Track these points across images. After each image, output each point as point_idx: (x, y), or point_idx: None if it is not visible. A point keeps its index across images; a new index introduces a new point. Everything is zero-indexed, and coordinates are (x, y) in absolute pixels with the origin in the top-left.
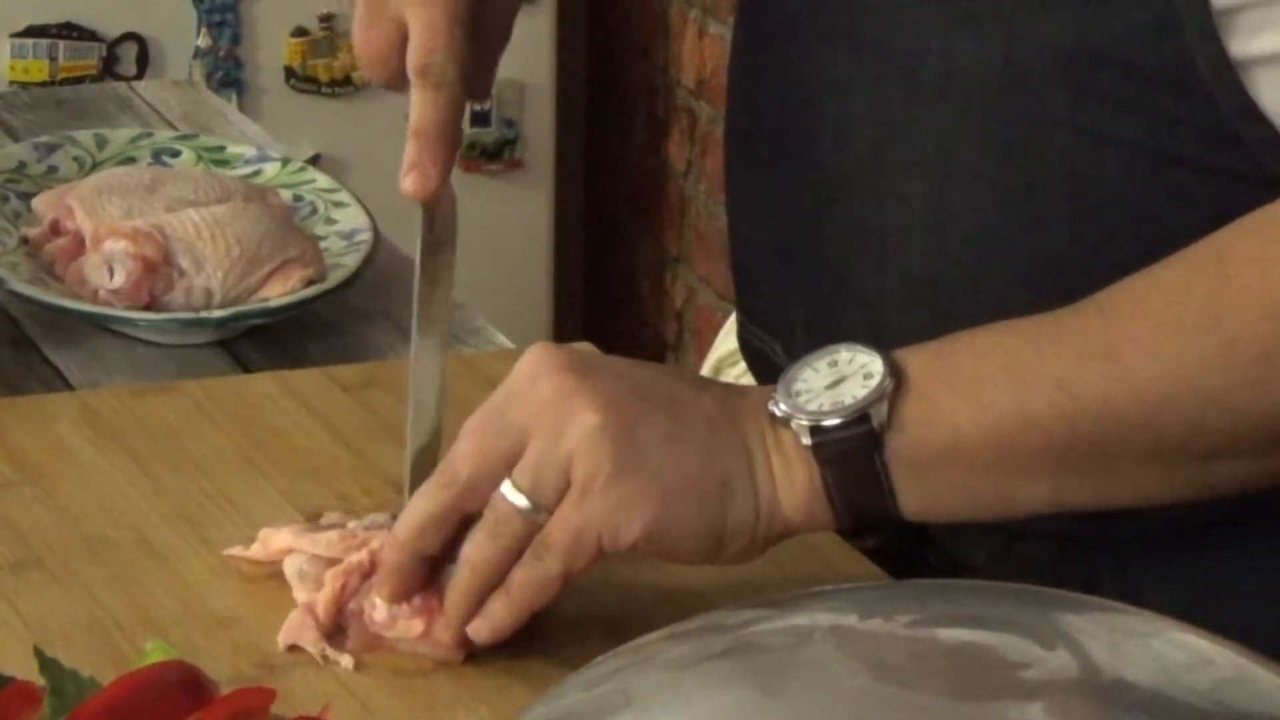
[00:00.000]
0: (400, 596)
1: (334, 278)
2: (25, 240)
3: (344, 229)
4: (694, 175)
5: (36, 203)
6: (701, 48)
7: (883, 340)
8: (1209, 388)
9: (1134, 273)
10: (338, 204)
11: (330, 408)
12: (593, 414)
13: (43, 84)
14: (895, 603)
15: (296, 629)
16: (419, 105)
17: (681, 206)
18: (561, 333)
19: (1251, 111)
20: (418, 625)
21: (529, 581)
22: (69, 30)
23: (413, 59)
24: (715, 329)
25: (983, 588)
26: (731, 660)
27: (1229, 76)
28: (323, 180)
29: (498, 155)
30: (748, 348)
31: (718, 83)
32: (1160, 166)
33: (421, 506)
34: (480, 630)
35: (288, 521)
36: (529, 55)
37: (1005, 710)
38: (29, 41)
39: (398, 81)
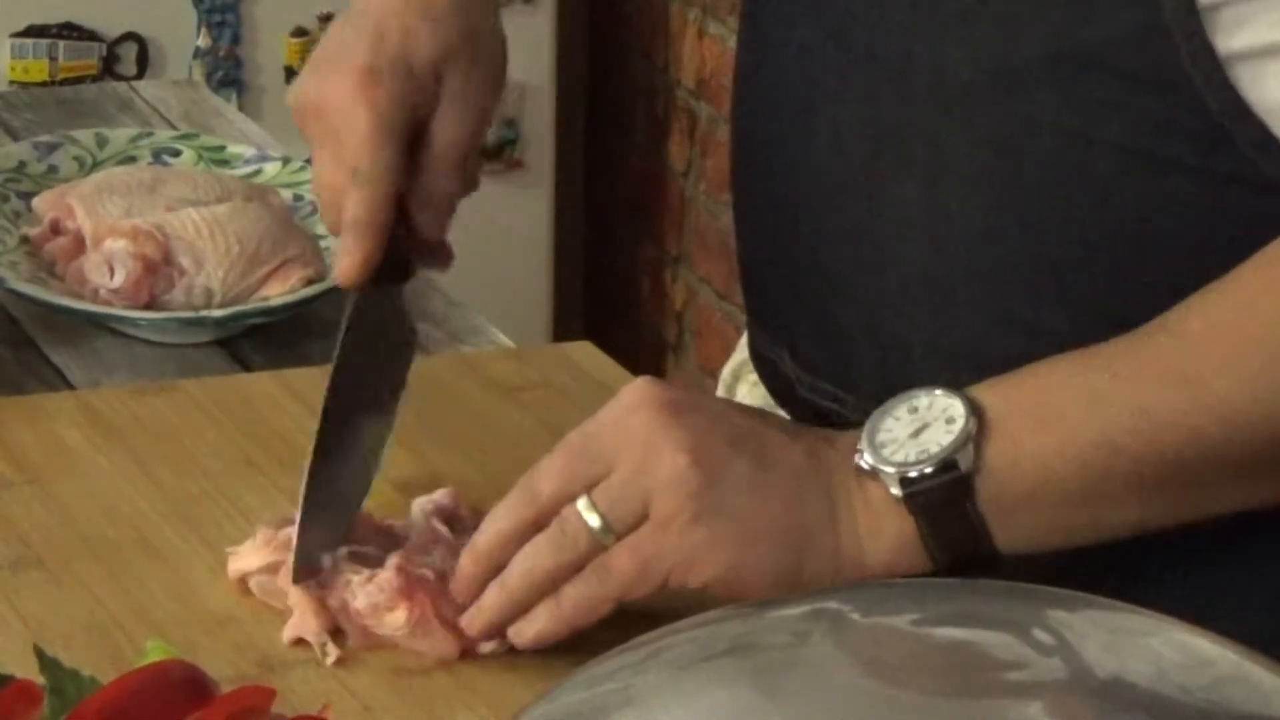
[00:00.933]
0: (471, 601)
1: (334, 277)
2: (26, 239)
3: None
4: (694, 175)
5: (37, 202)
6: (701, 48)
7: (884, 342)
8: None
9: (1130, 273)
10: None
11: None
12: (683, 455)
13: (43, 84)
14: (894, 602)
15: (299, 623)
16: (348, 205)
17: (681, 206)
18: (561, 333)
19: (1240, 109)
20: (400, 617)
21: (583, 599)
22: (69, 30)
23: (344, 170)
24: (715, 329)
25: (981, 587)
26: (731, 660)
27: (1216, 75)
28: None
29: (498, 155)
30: (757, 357)
31: (718, 83)
32: (1151, 169)
33: (503, 520)
34: (523, 632)
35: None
36: (529, 55)
37: (1004, 709)
38: (29, 41)
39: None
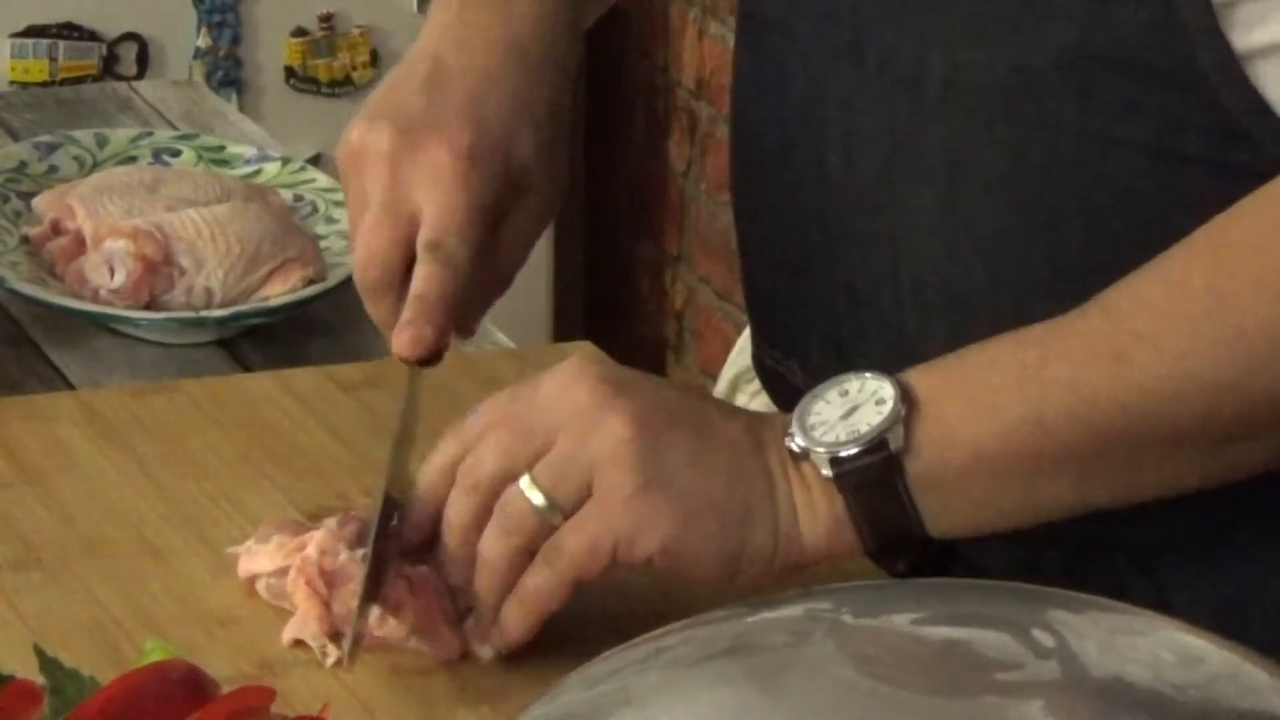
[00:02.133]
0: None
1: (334, 277)
2: (26, 240)
3: (344, 228)
4: (694, 175)
5: (37, 202)
6: (701, 48)
7: (901, 351)
8: (1219, 376)
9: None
10: (338, 203)
11: (330, 408)
12: (623, 426)
13: (43, 84)
14: (894, 602)
15: (299, 624)
16: (423, 275)
17: (681, 206)
18: (561, 333)
19: (1257, 105)
20: (403, 623)
21: (540, 586)
22: (69, 30)
23: (425, 235)
24: (715, 329)
25: (980, 587)
26: (731, 659)
27: (1233, 71)
28: (323, 180)
29: None
30: (763, 369)
31: (717, 83)
32: (1170, 167)
33: (454, 517)
34: (496, 638)
35: (267, 527)
36: None
37: (1003, 709)
38: (29, 41)
39: (389, 288)
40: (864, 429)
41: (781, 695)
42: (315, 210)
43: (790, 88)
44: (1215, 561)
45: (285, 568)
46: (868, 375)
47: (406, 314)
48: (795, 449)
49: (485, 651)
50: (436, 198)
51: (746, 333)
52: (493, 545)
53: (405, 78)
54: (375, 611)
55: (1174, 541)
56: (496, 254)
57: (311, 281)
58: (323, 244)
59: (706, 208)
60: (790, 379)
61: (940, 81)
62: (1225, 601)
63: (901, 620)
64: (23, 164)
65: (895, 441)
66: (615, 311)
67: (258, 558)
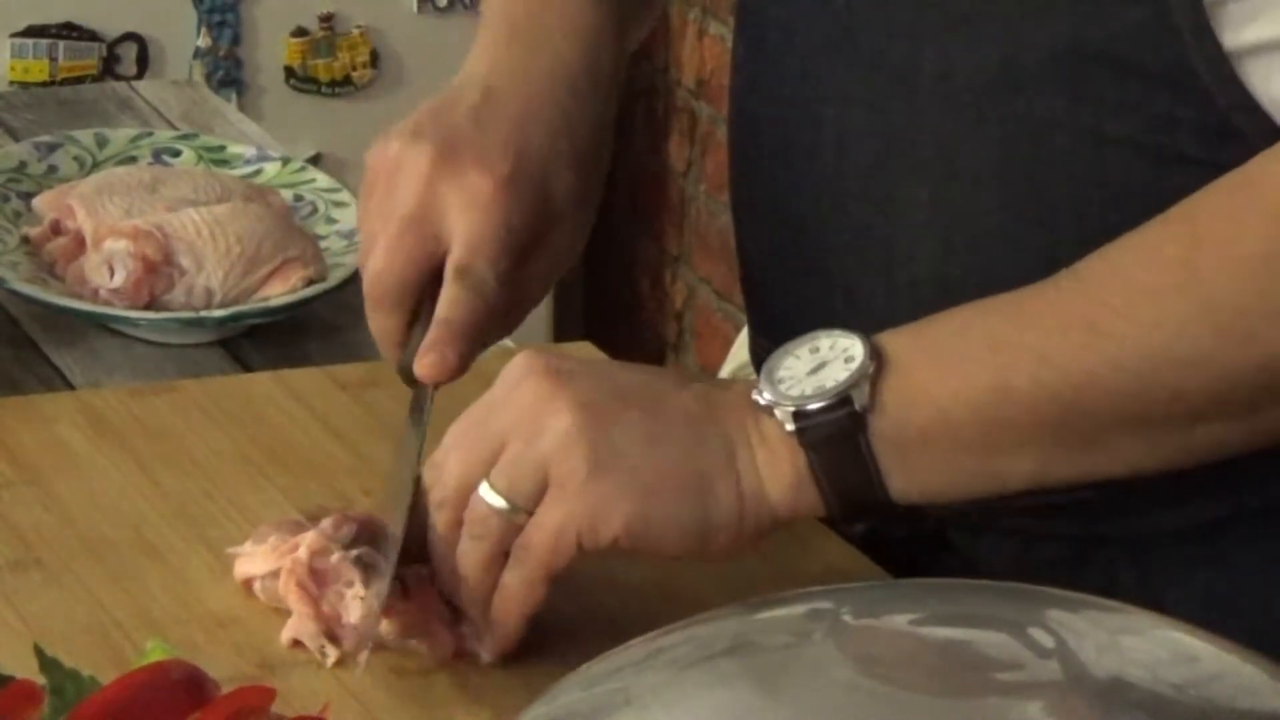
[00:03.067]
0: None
1: (334, 277)
2: (26, 240)
3: (344, 228)
4: (694, 175)
5: (37, 202)
6: (701, 48)
7: None
8: (1189, 349)
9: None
10: (338, 203)
11: (330, 408)
12: (568, 415)
13: (43, 84)
14: (894, 602)
15: (296, 624)
16: (450, 299)
17: (681, 206)
18: (561, 333)
19: (1248, 104)
20: (391, 624)
21: (515, 584)
22: (69, 30)
23: (456, 258)
24: (715, 329)
25: (980, 587)
26: (731, 659)
27: (1224, 69)
28: (323, 180)
29: None
30: (760, 361)
31: (717, 83)
32: (1161, 165)
33: (434, 538)
34: (488, 643)
35: (266, 528)
36: None
37: (1003, 709)
38: (29, 41)
39: (398, 304)
40: (830, 384)
41: (781, 695)
42: (315, 210)
43: (785, 82)
44: (1207, 556)
45: (279, 569)
46: (838, 332)
47: (431, 336)
48: (761, 402)
49: (484, 653)
50: (471, 222)
51: (745, 330)
52: (466, 553)
53: (454, 101)
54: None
55: (1166, 535)
56: (521, 285)
57: (311, 281)
58: (323, 244)
59: (706, 208)
60: None
61: (932, 77)
62: (1216, 596)
63: (901, 620)
64: (23, 164)
65: (860, 399)
66: (615, 311)
67: (253, 560)
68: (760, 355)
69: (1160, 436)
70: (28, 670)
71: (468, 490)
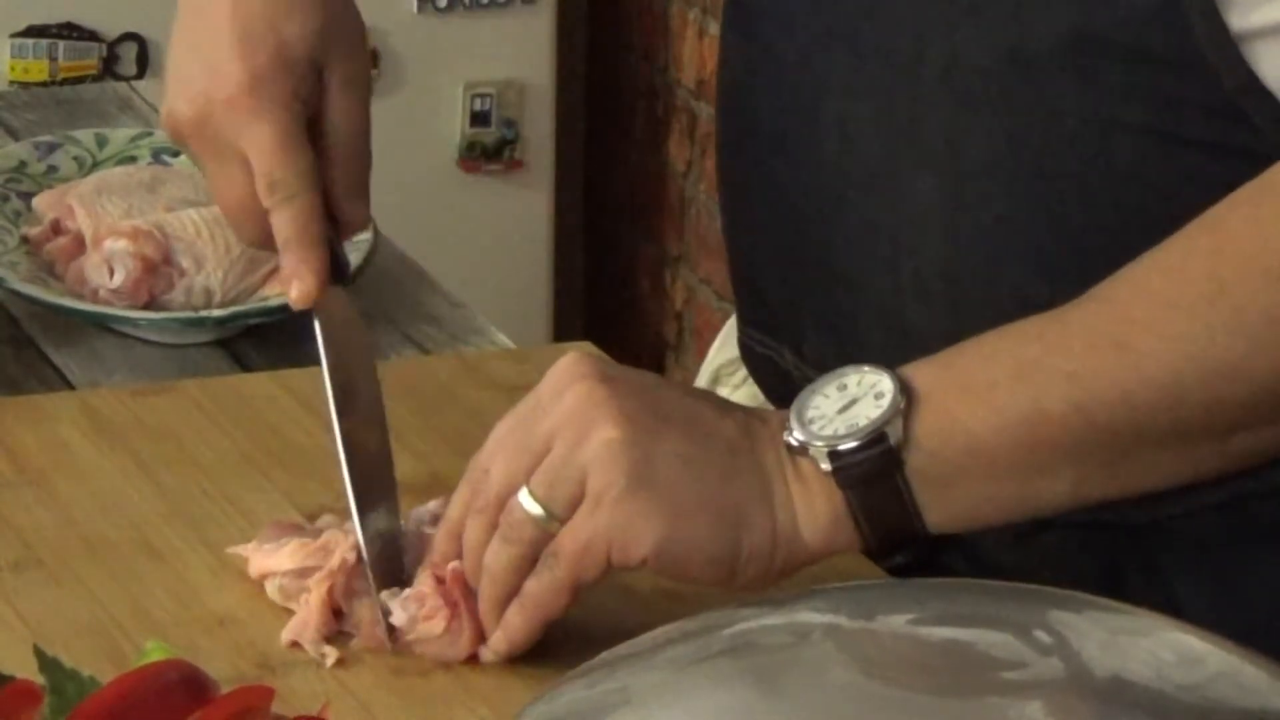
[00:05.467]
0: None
1: (292, 301)
2: (25, 240)
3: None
4: (694, 175)
5: (37, 202)
6: (701, 48)
7: (900, 336)
8: (1220, 361)
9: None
10: None
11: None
12: (612, 428)
13: (43, 84)
14: (894, 602)
15: (298, 627)
16: (277, 222)
17: (681, 206)
18: (561, 333)
19: (1255, 87)
20: (438, 626)
21: (539, 591)
22: (69, 30)
23: (259, 185)
24: (715, 329)
25: (980, 587)
26: (731, 660)
27: (1231, 52)
28: None
29: (498, 155)
30: (751, 354)
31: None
32: (1169, 149)
33: (468, 540)
34: (499, 642)
35: (270, 528)
36: (529, 55)
37: (1003, 709)
38: (29, 41)
39: (268, 236)
40: (862, 422)
41: (781, 695)
42: None
43: (784, 74)
44: (1213, 540)
45: (305, 568)
46: (866, 369)
47: (283, 268)
48: (793, 443)
49: (487, 653)
50: (247, 141)
51: (729, 325)
52: (496, 554)
53: (174, 47)
54: (398, 599)
55: (1170, 522)
56: (338, 141)
57: None
58: None
59: (706, 208)
60: (780, 364)
61: (939, 66)
62: (1226, 582)
63: (901, 620)
64: (23, 164)
65: (894, 435)
66: (615, 311)
67: (274, 556)
68: (752, 349)
69: (1196, 448)
70: (28, 670)
71: (509, 496)
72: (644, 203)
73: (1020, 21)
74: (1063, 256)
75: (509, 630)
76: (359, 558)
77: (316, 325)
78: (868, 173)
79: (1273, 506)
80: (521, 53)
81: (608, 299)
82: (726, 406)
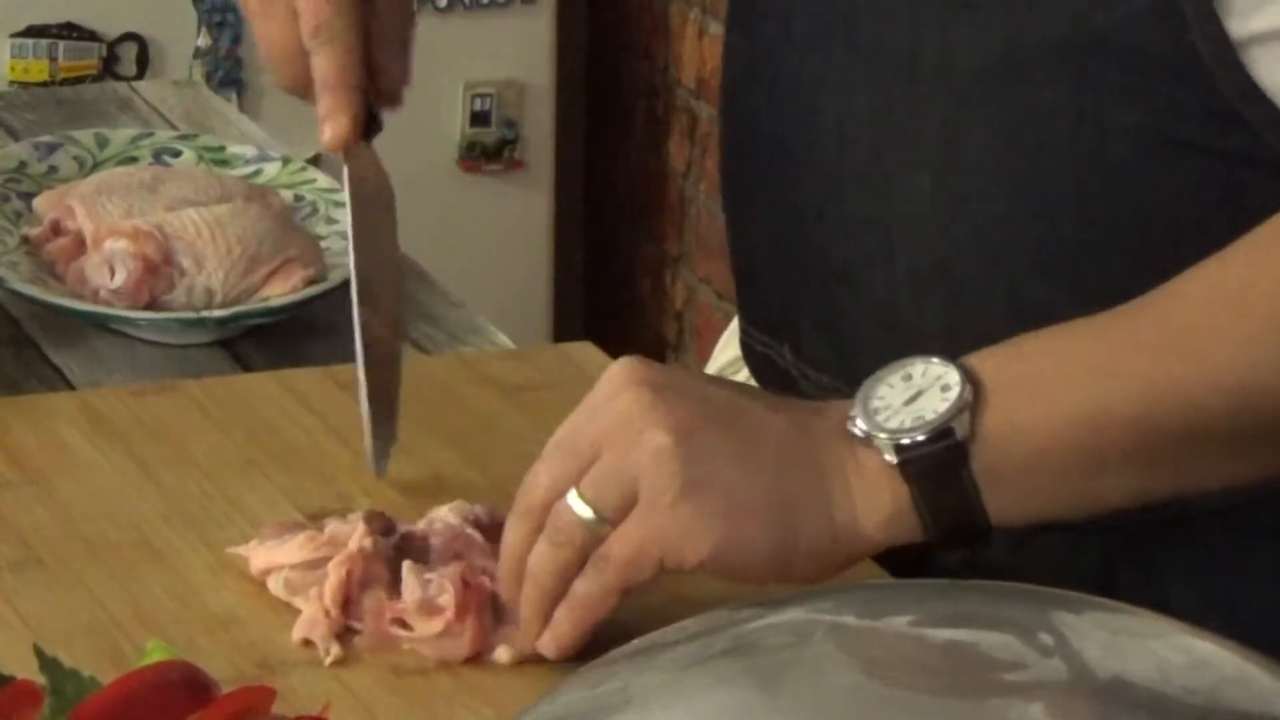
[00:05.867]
0: (543, 622)
1: (334, 278)
2: (26, 240)
3: (344, 228)
4: (694, 175)
5: (37, 202)
6: (701, 48)
7: (895, 333)
8: None
9: (1145, 258)
10: (338, 204)
11: (330, 407)
12: (663, 433)
13: (43, 84)
14: (895, 602)
15: (308, 623)
16: (318, 63)
17: (681, 206)
18: (561, 333)
19: (1252, 92)
20: (438, 625)
21: (588, 594)
22: (69, 30)
23: (304, 26)
24: (715, 329)
25: (982, 587)
26: (731, 660)
27: (1229, 58)
28: (323, 180)
29: (498, 155)
30: (751, 353)
31: (717, 83)
32: (1165, 152)
33: (509, 541)
34: (546, 645)
35: (271, 527)
36: (529, 55)
37: (1004, 710)
38: (29, 41)
39: (305, 80)
40: (930, 415)
41: (782, 696)
42: (315, 210)
43: (782, 71)
44: (1208, 542)
45: (316, 560)
46: (933, 360)
47: (320, 109)
48: (857, 433)
49: (502, 655)
50: None
51: (733, 325)
52: (542, 558)
53: None
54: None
55: (1164, 523)
56: (382, 20)
57: (312, 281)
58: (323, 244)
59: (706, 208)
60: (779, 362)
61: (934, 63)
62: (1220, 584)
63: (902, 621)
64: (23, 164)
65: (961, 430)
66: (615, 311)
67: (279, 550)
68: (752, 348)
69: (1260, 452)
70: (28, 670)
71: (553, 502)
72: (644, 203)
73: (1015, 20)
74: (1059, 257)
75: (558, 634)
76: (375, 546)
77: (345, 173)
78: (863, 170)
79: (1269, 510)
80: (521, 53)
81: (608, 299)
82: (779, 403)
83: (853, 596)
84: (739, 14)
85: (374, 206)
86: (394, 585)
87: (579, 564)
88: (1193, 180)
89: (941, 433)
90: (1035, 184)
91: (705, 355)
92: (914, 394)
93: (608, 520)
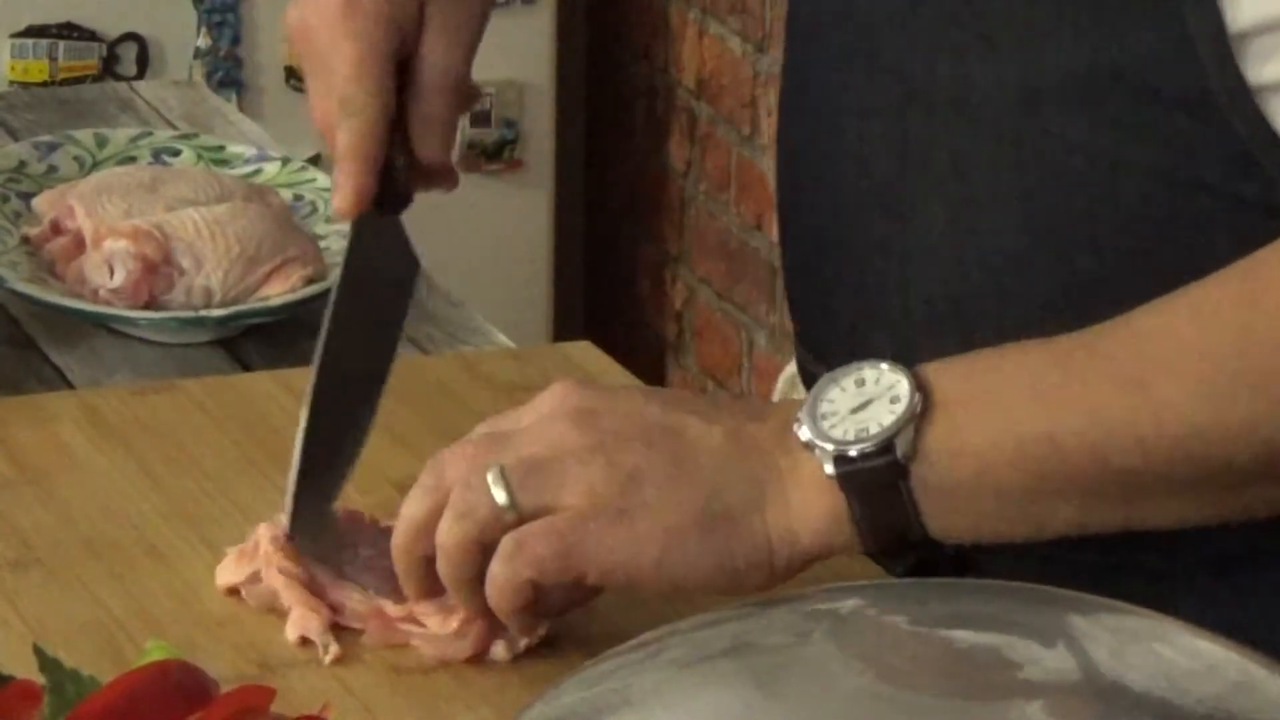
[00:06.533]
0: (424, 595)
1: (334, 277)
2: (26, 239)
3: (344, 228)
4: (694, 175)
5: (37, 202)
6: (701, 48)
7: (910, 362)
8: (1238, 417)
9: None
10: None
11: None
12: (599, 461)
13: (43, 84)
14: (895, 602)
15: (299, 622)
16: (339, 135)
17: (681, 206)
18: (561, 333)
19: (1269, 137)
20: (451, 623)
21: (501, 578)
22: (69, 30)
23: (334, 99)
24: (715, 329)
25: (984, 587)
26: (731, 659)
27: (1246, 102)
28: (323, 179)
29: (498, 155)
30: (803, 372)
31: (717, 83)
32: (1178, 192)
33: (409, 513)
34: (497, 650)
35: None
36: (529, 55)
37: (1005, 710)
38: (29, 41)
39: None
40: (874, 429)
41: (781, 696)
42: (315, 210)
43: (811, 91)
44: (1226, 585)
45: (254, 573)
46: (884, 366)
47: (334, 177)
48: (801, 438)
49: (499, 651)
50: (333, 54)
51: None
52: (446, 531)
53: None
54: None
55: (1185, 566)
56: (425, 79)
57: (311, 281)
58: (323, 244)
59: (706, 208)
60: (818, 379)
61: (950, 93)
62: (1237, 628)
63: (902, 621)
64: (23, 164)
65: (903, 446)
66: (615, 311)
67: (227, 570)
68: (803, 365)
69: (1210, 496)
70: (28, 670)
71: (462, 481)
72: (644, 203)
73: (1031, 54)
74: (1069, 293)
75: (508, 622)
76: (286, 534)
77: (347, 245)
78: (881, 196)
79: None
80: (521, 53)
81: (608, 299)
82: (715, 414)
83: (853, 596)
84: (787, 27)
85: (370, 287)
86: (334, 573)
87: (477, 547)
88: (1206, 224)
89: (884, 447)
90: (1048, 219)
91: (705, 355)
92: (863, 401)
93: (519, 511)
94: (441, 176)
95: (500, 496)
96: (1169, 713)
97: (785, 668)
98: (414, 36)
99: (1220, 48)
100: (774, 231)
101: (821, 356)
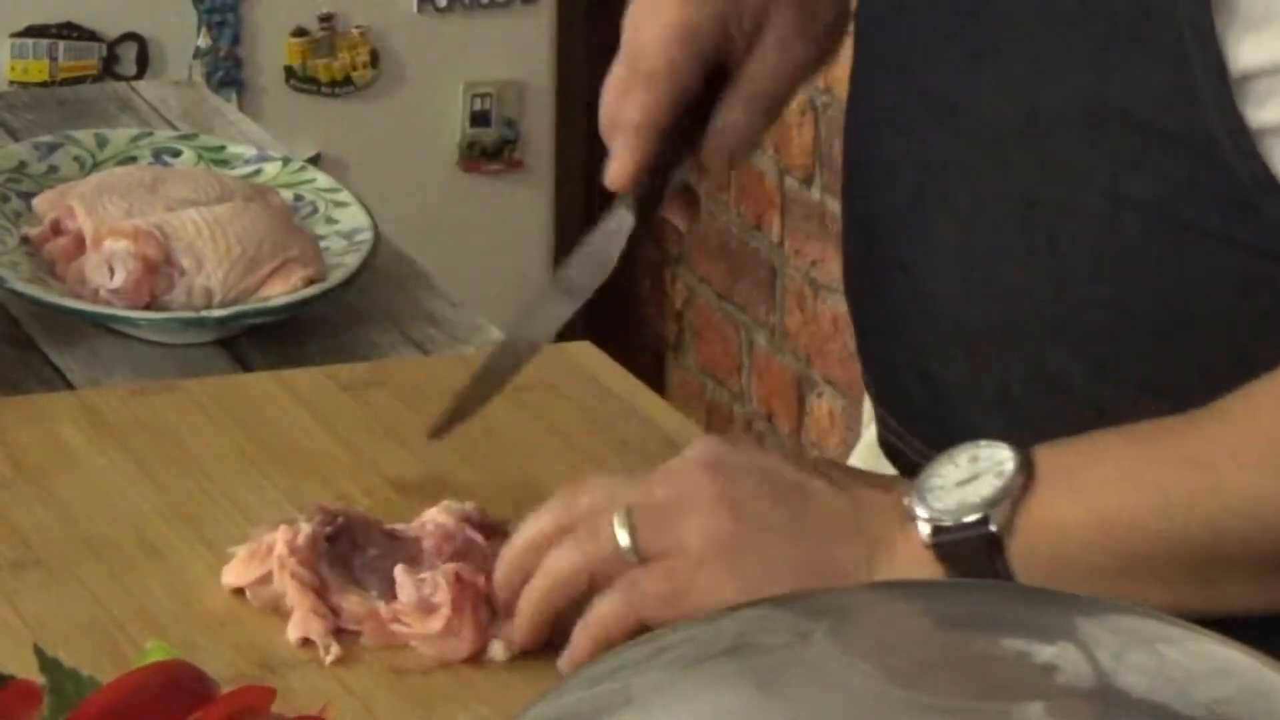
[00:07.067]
0: (510, 612)
1: (334, 277)
2: (26, 240)
3: (344, 228)
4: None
5: (37, 202)
6: None
7: (928, 384)
8: None
9: (1164, 339)
10: (338, 203)
11: (330, 408)
12: (726, 511)
13: (43, 84)
14: (897, 602)
15: (301, 623)
16: (629, 105)
17: None
18: (561, 332)
19: (1268, 181)
20: (437, 623)
21: (611, 614)
22: (69, 30)
23: (635, 69)
24: (715, 329)
25: (987, 587)
26: (732, 659)
27: (1245, 143)
28: (323, 180)
29: (498, 155)
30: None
31: None
32: (1179, 231)
33: (535, 526)
34: (564, 663)
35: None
36: (529, 55)
37: (1007, 711)
38: (29, 41)
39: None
40: (973, 500)
41: (782, 696)
42: (315, 210)
43: (853, 105)
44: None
45: (265, 574)
46: (1000, 445)
47: (612, 148)
48: (906, 507)
49: (497, 651)
50: (650, 27)
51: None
52: (562, 556)
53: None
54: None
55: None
56: (740, 90)
57: (311, 281)
58: (323, 244)
59: (706, 208)
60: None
61: (965, 112)
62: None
63: (904, 621)
64: (23, 164)
65: (998, 519)
66: (615, 311)
67: (236, 570)
68: (871, 393)
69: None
70: (28, 670)
71: (589, 515)
72: None
73: (1036, 79)
74: (1073, 326)
75: (573, 649)
76: (308, 546)
77: (613, 208)
78: (900, 210)
79: None
80: (521, 53)
81: (608, 299)
82: (845, 480)
83: (855, 596)
84: (854, 34)
85: (589, 266)
86: (344, 577)
87: (585, 579)
88: (1206, 262)
89: (980, 520)
90: (1052, 250)
91: (705, 355)
92: (971, 476)
93: (639, 555)
94: (686, 208)
95: (624, 539)
96: (1173, 716)
97: (786, 668)
98: (744, 46)
99: (1222, 88)
100: (774, 231)
101: (871, 374)
